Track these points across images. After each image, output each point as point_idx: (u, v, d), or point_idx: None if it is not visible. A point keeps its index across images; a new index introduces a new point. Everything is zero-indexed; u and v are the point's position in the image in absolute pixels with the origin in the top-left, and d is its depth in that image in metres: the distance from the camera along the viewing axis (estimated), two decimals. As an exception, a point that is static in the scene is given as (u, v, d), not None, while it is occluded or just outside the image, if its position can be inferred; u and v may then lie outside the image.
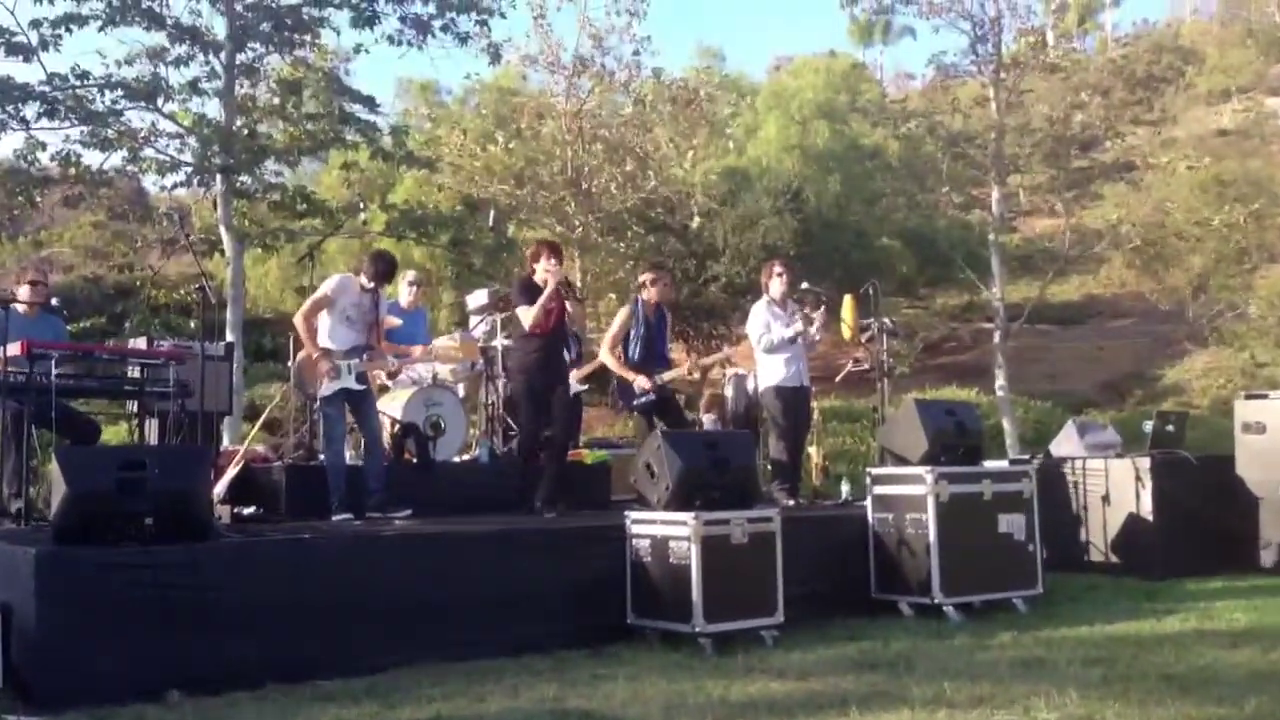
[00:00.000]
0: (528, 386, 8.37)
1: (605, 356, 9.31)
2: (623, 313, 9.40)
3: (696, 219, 23.14)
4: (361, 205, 15.19)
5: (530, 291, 8.33)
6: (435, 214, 17.67)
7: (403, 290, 10.77)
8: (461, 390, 10.62)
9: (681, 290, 23.49)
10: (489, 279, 16.80)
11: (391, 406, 9.71)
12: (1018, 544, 8.28)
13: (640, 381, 9.07)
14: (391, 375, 9.58)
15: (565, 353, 8.81)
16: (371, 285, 8.33)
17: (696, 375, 9.61)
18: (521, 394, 8.42)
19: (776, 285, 9.79)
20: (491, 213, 15.63)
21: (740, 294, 22.51)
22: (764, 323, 9.61)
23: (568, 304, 8.34)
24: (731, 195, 24.27)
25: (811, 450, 10.79)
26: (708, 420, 11.92)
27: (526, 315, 8.19)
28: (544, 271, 8.29)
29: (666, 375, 9.20)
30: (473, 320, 11.51)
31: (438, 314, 21.65)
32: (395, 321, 10.02)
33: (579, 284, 18.44)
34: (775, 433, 9.60)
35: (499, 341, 10.50)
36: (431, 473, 9.14)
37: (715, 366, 14.63)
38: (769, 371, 9.61)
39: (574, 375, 9.54)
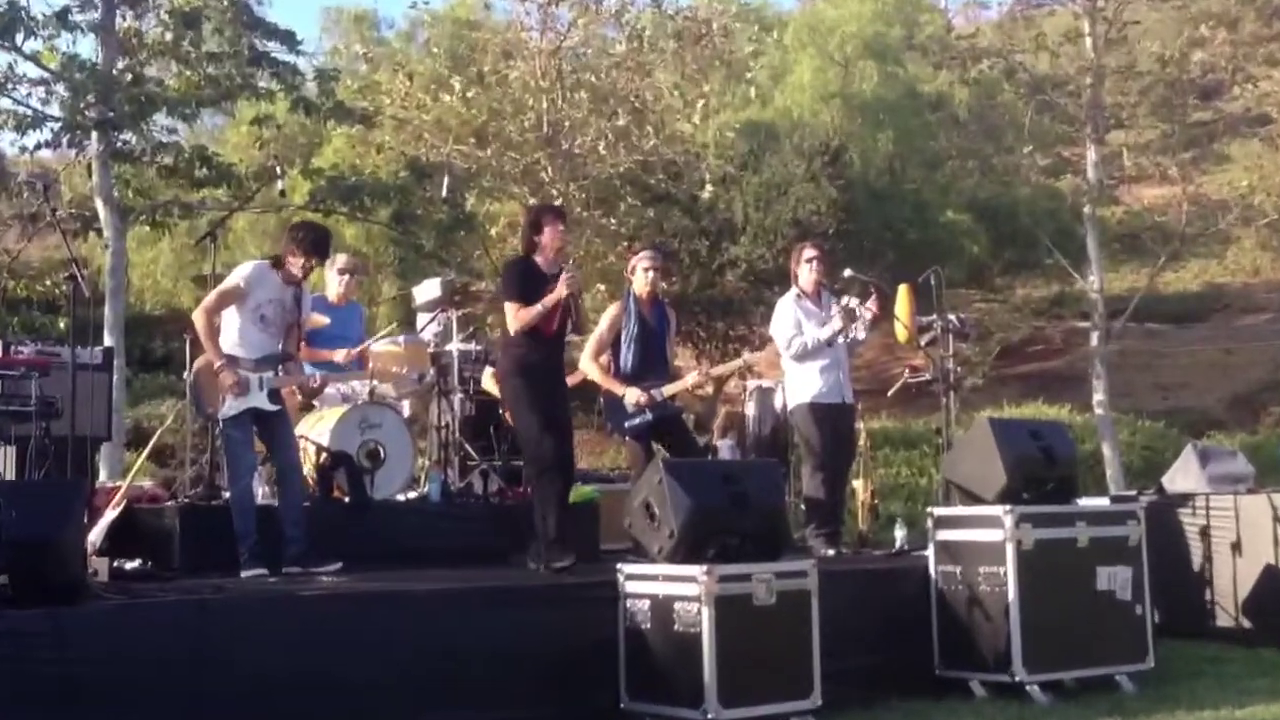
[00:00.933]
0: (529, 392, 8.25)
1: (588, 365, 9.32)
2: (612, 310, 9.39)
3: (709, 188, 23.12)
4: (278, 171, 15.00)
5: (527, 279, 8.23)
6: (373, 182, 17.53)
7: (331, 281, 10.74)
8: (407, 409, 10.56)
9: (690, 278, 23.86)
10: (442, 265, 16.69)
11: (317, 431, 9.67)
12: (1122, 605, 8.33)
13: (634, 396, 9.08)
14: (310, 394, 9.64)
15: (562, 362, 8.85)
16: (300, 274, 8.43)
17: (709, 388, 9.84)
18: (520, 403, 8.29)
19: (809, 272, 9.79)
20: (445, 180, 15.50)
21: (764, 283, 22.63)
22: (794, 321, 9.62)
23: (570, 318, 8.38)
24: (753, 157, 24.39)
25: (856, 484, 10.76)
26: (724, 446, 11.96)
27: (520, 316, 8.11)
28: (551, 250, 8.27)
29: (669, 389, 9.22)
30: (421, 319, 11.46)
31: (376, 311, 21.61)
32: (321, 320, 10.02)
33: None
34: (809, 462, 9.63)
35: (455, 345, 10.46)
36: (367, 515, 9.19)
37: (732, 377, 15.12)
38: (801, 384, 9.64)
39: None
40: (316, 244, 8.43)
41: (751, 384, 11.70)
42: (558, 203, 20.01)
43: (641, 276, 9.31)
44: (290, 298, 8.44)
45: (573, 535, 8.39)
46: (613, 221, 21.59)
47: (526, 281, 8.19)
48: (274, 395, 8.35)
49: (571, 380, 9.42)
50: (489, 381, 10.40)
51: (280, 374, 8.40)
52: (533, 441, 8.16)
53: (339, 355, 9.98)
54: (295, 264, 8.42)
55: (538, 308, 8.04)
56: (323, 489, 9.35)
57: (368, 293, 21.40)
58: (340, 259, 10.78)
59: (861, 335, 9.79)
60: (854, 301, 9.69)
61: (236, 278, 8.36)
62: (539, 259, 8.26)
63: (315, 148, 23.06)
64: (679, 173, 22.85)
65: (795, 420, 9.85)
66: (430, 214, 17.65)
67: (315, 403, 10.11)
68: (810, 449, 9.67)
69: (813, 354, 9.61)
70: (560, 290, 8.07)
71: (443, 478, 10.03)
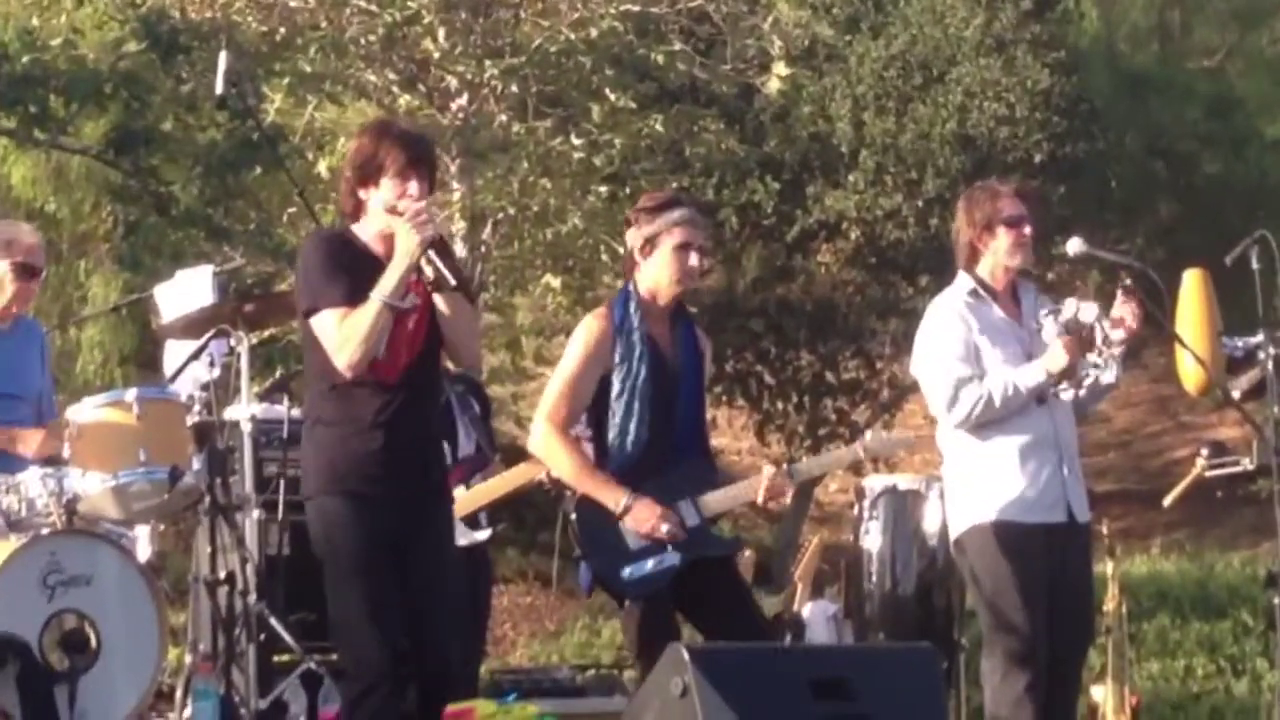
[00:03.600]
0: (348, 525, 6.06)
1: (549, 443, 7.03)
2: (588, 328, 7.08)
3: (777, 77, 17.91)
4: None
5: (341, 265, 6.09)
6: (68, 66, 13.62)
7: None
8: (146, 544, 8.25)
9: (741, 264, 18.96)
10: (215, 241, 13.25)
11: None
12: None
13: (646, 518, 6.73)
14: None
15: (436, 442, 6.49)
16: None
17: (786, 496, 7.24)
18: (333, 548, 6.12)
19: (1005, 247, 7.09)
20: (221, 61, 11.10)
21: (894, 270, 17.66)
22: (962, 347, 7.08)
23: (439, 302, 6.00)
24: (872, 7, 18.55)
25: (1099, 694, 8.31)
26: (816, 615, 9.95)
27: (334, 332, 5.99)
28: (387, 203, 5.99)
29: (714, 500, 6.92)
30: (172, 353, 8.73)
31: (78, 338, 16.42)
32: None
33: (465, 256, 14.23)
34: (999, 648, 7.04)
35: (246, 407, 8.15)
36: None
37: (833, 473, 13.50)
38: (980, 483, 7.16)
39: (464, 499, 7.76)
40: None
41: (874, 483, 9.51)
42: (458, 108, 15.78)
43: (669, 261, 6.86)
44: None
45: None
46: (575, 143, 16.40)
47: (342, 271, 6.03)
48: None
49: (509, 481, 7.88)
50: None
51: None
52: (349, 631, 6.11)
53: (23, 436, 7.66)
54: None
55: (371, 304, 5.85)
56: None
57: (58, 297, 15.91)
58: (21, 242, 8.12)
59: (1109, 378, 7.05)
60: (1089, 311, 6.95)
61: None
62: (366, 232, 6.13)
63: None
64: (715, 40, 17.01)
65: (968, 558, 7.26)
66: (190, 131, 13.65)
67: None
68: (1000, 620, 7.10)
69: (1005, 419, 7.02)
70: (406, 241, 5.82)
71: (221, 690, 7.46)
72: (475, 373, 8.22)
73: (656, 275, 6.75)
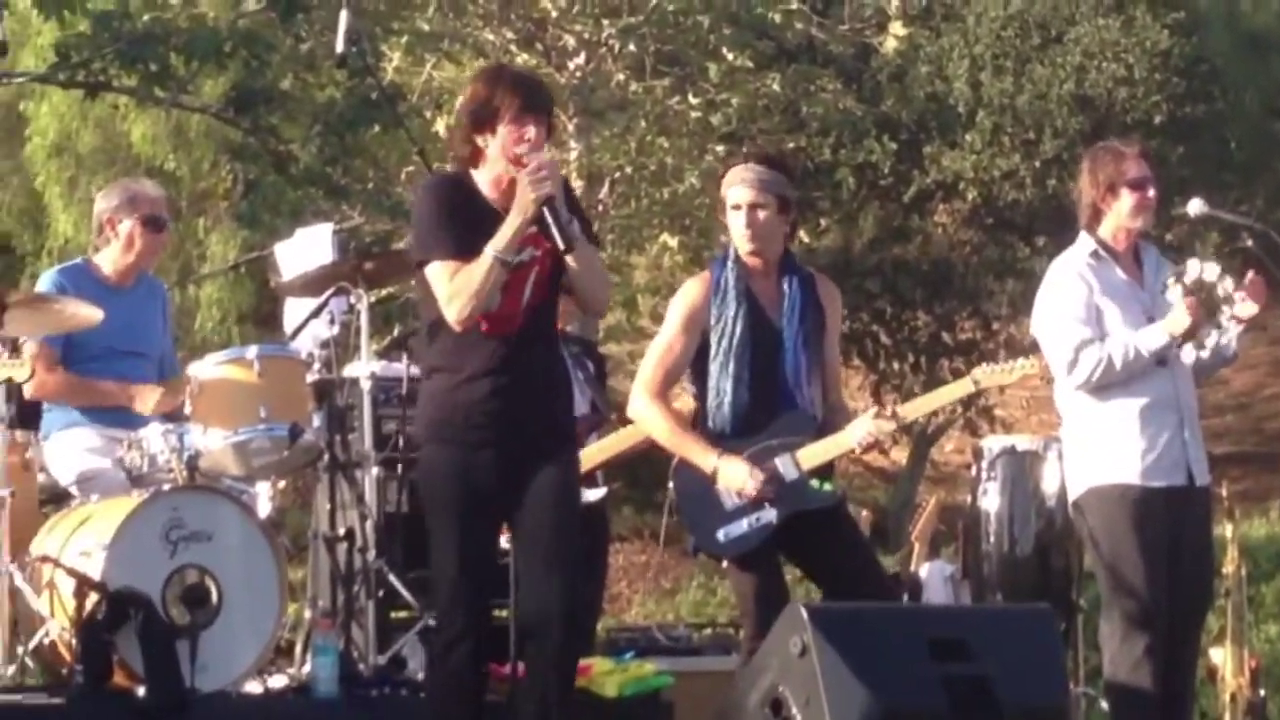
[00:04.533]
0: (452, 477, 6.02)
1: (645, 409, 6.99)
2: (689, 291, 7.10)
3: (894, 36, 18.06)
4: None
5: (454, 213, 5.98)
6: (188, 26, 13.38)
7: (123, 235, 7.94)
8: (266, 501, 8.04)
9: (857, 224, 18.87)
10: (334, 199, 13.19)
11: (76, 548, 7.29)
12: None
13: (740, 476, 6.72)
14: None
15: (555, 392, 6.23)
16: None
17: (895, 447, 8.44)
18: (435, 501, 6.06)
19: (1127, 208, 7.00)
20: (342, 19, 11.21)
21: (1011, 230, 17.69)
22: (1083, 308, 7.04)
23: (571, 260, 5.89)
24: None
25: (1218, 656, 8.02)
26: (933, 574, 9.80)
27: (445, 284, 5.87)
28: (504, 150, 5.85)
29: (810, 452, 6.81)
30: (291, 311, 8.53)
31: (197, 295, 16.57)
32: (87, 315, 7.49)
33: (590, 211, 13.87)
34: (1117, 610, 7.00)
35: (366, 364, 7.93)
36: (186, 716, 7.04)
37: (948, 425, 13.86)
38: (1098, 445, 7.10)
39: (579, 458, 7.14)
40: None
41: (992, 444, 9.45)
42: (575, 67, 15.70)
43: (730, 223, 6.93)
44: None
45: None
46: (693, 102, 16.42)
47: (459, 219, 5.88)
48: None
49: (617, 443, 7.76)
50: None
51: None
52: (439, 583, 6.14)
53: (141, 393, 7.65)
54: None
55: (485, 258, 5.69)
56: (90, 667, 6.92)
57: (177, 255, 15.82)
58: (146, 195, 8.02)
59: (1229, 342, 7.01)
60: (1211, 271, 6.90)
61: None
62: (482, 179, 5.97)
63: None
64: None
65: (1087, 520, 7.18)
66: (309, 90, 13.78)
67: (73, 489, 7.65)
68: (1119, 582, 7.02)
69: (1127, 380, 6.97)
70: (523, 198, 5.68)
71: (340, 646, 7.41)
72: (591, 333, 8.18)
73: (735, 233, 6.79)
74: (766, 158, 7.75)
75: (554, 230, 5.58)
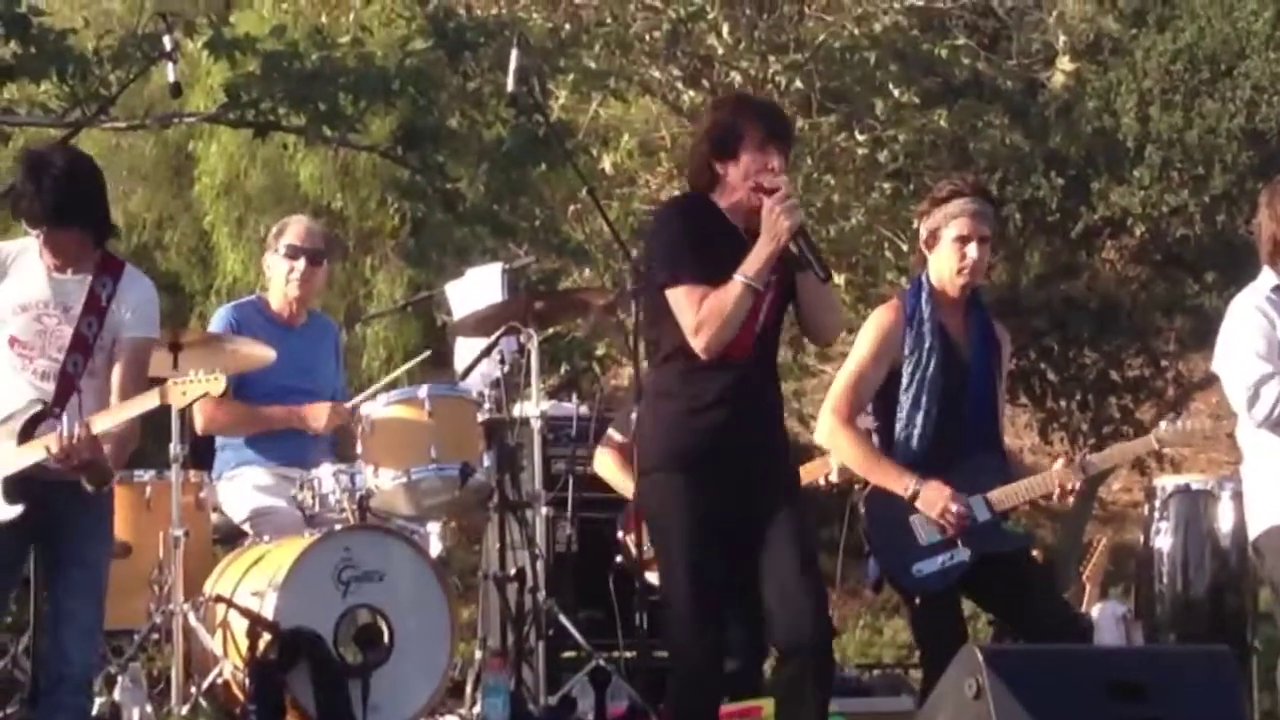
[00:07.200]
0: (691, 504, 5.93)
1: (833, 436, 6.90)
2: (879, 319, 7.00)
3: (1061, 72, 17.72)
4: (167, 44, 10.50)
5: (701, 237, 5.99)
6: (356, 64, 13.22)
7: (275, 269, 8.13)
8: (436, 541, 8.23)
9: (1029, 258, 18.51)
10: (503, 239, 13.22)
11: (249, 587, 7.37)
12: None
13: (937, 501, 6.65)
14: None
15: (779, 421, 6.35)
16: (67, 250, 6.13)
17: (1072, 485, 6.94)
18: (670, 529, 6.01)
19: None
20: (512, 57, 11.04)
21: (1182, 267, 17.42)
22: (1262, 342, 6.87)
23: (800, 281, 6.02)
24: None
25: None
26: (1106, 616, 9.63)
27: (692, 310, 5.83)
28: (746, 190, 5.84)
29: (1004, 494, 6.80)
30: (462, 350, 8.79)
31: (364, 334, 16.13)
32: (261, 355, 7.65)
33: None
34: None
35: (536, 404, 8.15)
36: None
37: (1123, 470, 14.22)
38: (1276, 484, 6.83)
39: None
40: (34, 202, 5.95)
41: (1165, 483, 9.45)
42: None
43: (949, 254, 6.68)
44: (76, 292, 6.20)
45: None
46: (859, 139, 16.15)
47: (703, 243, 5.82)
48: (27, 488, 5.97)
49: (811, 471, 7.58)
50: (609, 470, 8.17)
51: (55, 435, 5.93)
52: (672, 617, 5.96)
53: (310, 410, 7.78)
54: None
55: (735, 285, 5.65)
56: (263, 707, 7.03)
57: (344, 294, 15.79)
58: (291, 228, 8.20)
59: None
60: None
61: None
62: (722, 202, 5.92)
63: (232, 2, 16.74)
64: (999, 34, 16.96)
65: (1267, 561, 6.98)
66: (475, 128, 13.34)
67: (246, 528, 7.78)
68: None
69: None
70: (775, 227, 5.61)
71: (510, 686, 7.53)
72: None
73: (940, 268, 6.66)
74: (984, 191, 7.71)
75: (810, 258, 5.58)
